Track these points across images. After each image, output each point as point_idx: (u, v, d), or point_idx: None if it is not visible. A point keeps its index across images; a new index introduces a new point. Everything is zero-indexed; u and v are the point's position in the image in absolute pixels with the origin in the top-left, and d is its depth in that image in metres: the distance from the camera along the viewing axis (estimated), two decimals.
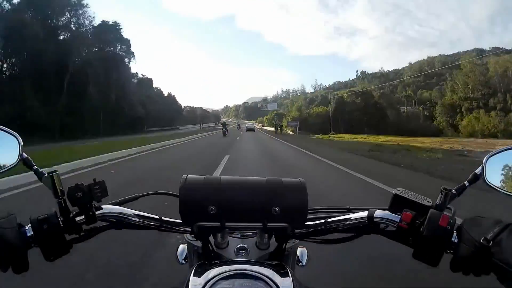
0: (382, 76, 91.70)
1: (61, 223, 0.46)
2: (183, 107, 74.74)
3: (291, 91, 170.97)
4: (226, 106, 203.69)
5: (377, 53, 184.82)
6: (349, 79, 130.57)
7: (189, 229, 0.51)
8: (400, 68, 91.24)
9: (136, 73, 48.89)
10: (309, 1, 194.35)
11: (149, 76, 55.14)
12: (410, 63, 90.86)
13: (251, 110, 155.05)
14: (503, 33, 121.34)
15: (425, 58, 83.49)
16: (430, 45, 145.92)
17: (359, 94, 50.33)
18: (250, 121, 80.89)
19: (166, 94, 58.13)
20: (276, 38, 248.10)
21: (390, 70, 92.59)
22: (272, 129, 52.67)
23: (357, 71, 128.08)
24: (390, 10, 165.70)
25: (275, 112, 71.59)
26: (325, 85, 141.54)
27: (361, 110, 47.46)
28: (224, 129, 24.58)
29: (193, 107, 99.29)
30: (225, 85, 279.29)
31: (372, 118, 47.20)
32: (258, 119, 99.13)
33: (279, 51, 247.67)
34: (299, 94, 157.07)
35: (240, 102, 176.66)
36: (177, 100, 64.23)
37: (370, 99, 49.85)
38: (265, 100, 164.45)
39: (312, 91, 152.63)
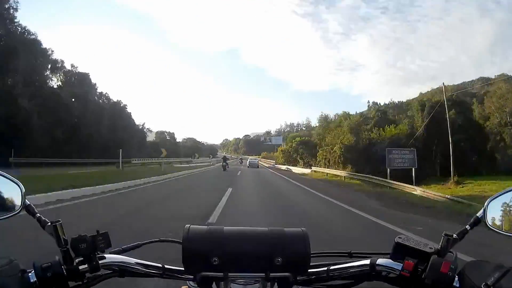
0: (395, 107, 76.37)
1: (64, 272, 0.46)
2: (146, 130, 50.01)
3: (295, 125, 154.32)
4: (225, 140, 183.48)
5: (379, 88, 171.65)
6: (356, 112, 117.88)
7: (192, 277, 0.51)
8: (411, 99, 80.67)
9: (50, 50, 26.31)
10: (312, 37, 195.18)
11: (83, 71, 31.38)
12: (421, 93, 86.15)
13: (253, 144, 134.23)
14: (502, 62, 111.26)
15: (434, 88, 79.44)
16: (431, 78, 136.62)
17: (450, 105, 28.25)
18: (252, 156, 59.01)
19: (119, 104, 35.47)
20: (278, 73, 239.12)
21: (403, 101, 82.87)
22: (304, 170, 28.20)
23: (368, 102, 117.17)
24: (391, 45, 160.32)
25: (298, 139, 44.47)
26: (331, 118, 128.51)
27: (462, 132, 25.33)
28: (224, 164, 23.86)
29: (169, 132, 75.42)
30: (224, 119, 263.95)
31: (475, 147, 25.22)
32: (262, 154, 77.02)
33: (281, 85, 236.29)
34: (303, 128, 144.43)
35: (240, 136, 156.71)
36: (131, 116, 39.71)
37: (467, 113, 28.03)
38: (268, 133, 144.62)
39: (317, 124, 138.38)
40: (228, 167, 24.11)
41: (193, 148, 76.55)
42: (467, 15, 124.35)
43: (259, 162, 41.44)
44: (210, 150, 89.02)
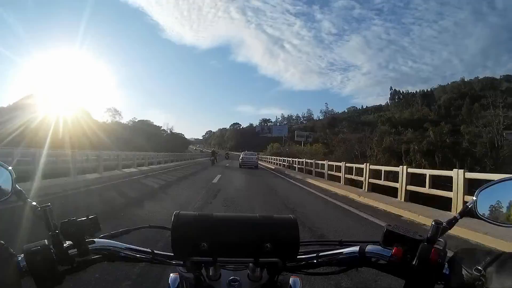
0: (421, 97, 68.95)
1: (54, 255, 0.46)
2: None
3: (294, 117, 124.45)
4: (209, 132, 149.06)
5: (370, 89, 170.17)
6: (369, 106, 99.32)
7: (181, 262, 0.52)
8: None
9: None
10: (305, 37, 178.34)
11: None
12: (439, 85, 79.16)
13: (245, 135, 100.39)
14: (495, 66, 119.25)
15: (457, 81, 74.60)
16: (422, 81, 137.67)
17: None
18: (248, 152, 28.38)
19: None
20: (269, 72, 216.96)
21: (427, 90, 76.08)
22: None
23: (391, 88, 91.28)
24: (384, 46, 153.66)
25: None
26: (337, 111, 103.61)
27: None
28: (212, 158, 23.93)
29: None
30: (210, 113, 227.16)
31: None
32: (272, 147, 43.22)
33: (272, 84, 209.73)
34: (304, 122, 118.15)
35: (227, 126, 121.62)
36: None
37: None
38: (266, 122, 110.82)
39: (321, 117, 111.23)
40: (216, 161, 23.75)
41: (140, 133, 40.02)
42: (462, 20, 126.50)
43: (258, 159, 23.21)
44: (172, 142, 49.93)
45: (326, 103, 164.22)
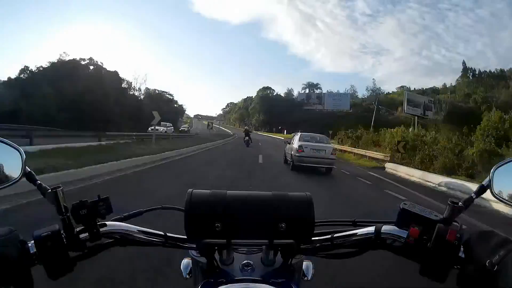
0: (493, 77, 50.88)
1: (64, 240, 0.45)
2: None
3: (334, 92, 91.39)
4: (229, 105, 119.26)
5: (400, 76, 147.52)
6: (434, 87, 67.83)
7: (194, 245, 0.50)
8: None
9: None
10: (338, 17, 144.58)
11: None
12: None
13: (279, 106, 67.72)
14: None
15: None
16: (454, 72, 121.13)
17: None
18: (305, 135, 9.15)
19: None
20: (300, 51, 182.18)
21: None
22: None
23: (464, 63, 66.30)
24: (418, 31, 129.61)
25: None
26: (387, 91, 71.49)
27: None
28: (247, 138, 19.68)
29: None
30: (235, 89, 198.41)
31: None
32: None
33: (301, 64, 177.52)
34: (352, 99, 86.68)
35: (254, 93, 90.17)
36: None
37: None
38: (313, 87, 77.95)
39: (367, 95, 79.09)
40: (251, 142, 19.73)
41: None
42: (499, 10, 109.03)
43: (334, 155, 8.95)
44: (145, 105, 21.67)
45: (373, 79, 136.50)
